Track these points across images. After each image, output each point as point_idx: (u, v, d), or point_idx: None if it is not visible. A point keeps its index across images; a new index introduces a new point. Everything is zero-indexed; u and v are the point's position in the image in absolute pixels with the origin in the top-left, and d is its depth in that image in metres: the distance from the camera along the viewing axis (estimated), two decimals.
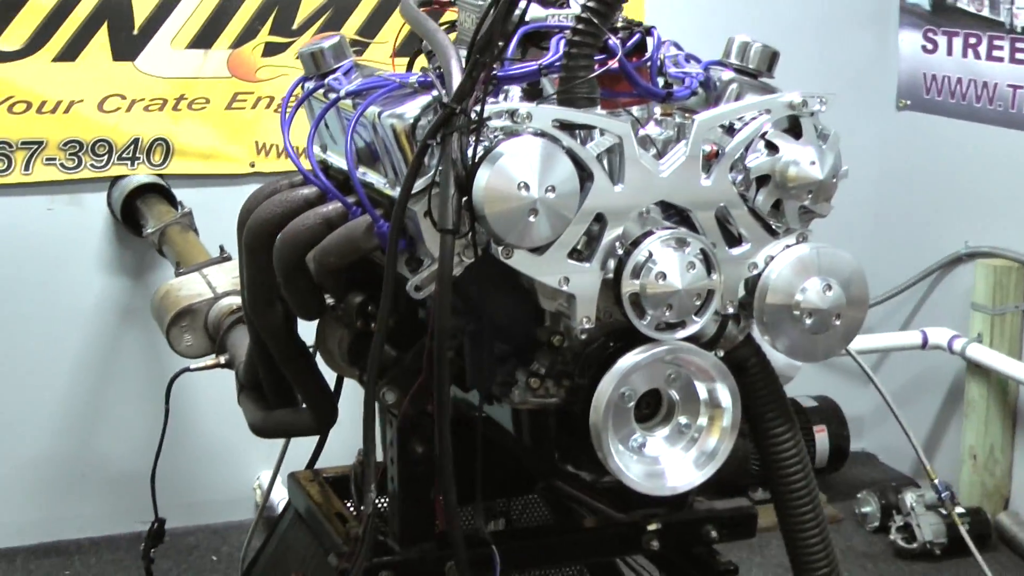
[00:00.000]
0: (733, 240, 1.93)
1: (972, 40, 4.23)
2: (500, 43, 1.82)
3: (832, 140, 1.92)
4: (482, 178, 1.74)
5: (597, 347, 1.91)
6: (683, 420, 1.93)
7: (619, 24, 1.99)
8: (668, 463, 1.93)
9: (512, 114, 1.78)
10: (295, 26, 3.91)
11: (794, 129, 1.93)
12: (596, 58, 1.88)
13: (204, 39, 3.82)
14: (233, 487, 4.08)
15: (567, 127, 1.82)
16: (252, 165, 3.93)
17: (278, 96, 3.89)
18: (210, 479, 4.07)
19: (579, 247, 1.84)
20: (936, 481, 3.90)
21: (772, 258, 1.93)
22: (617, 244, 1.84)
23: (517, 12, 1.83)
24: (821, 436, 4.38)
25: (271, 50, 3.89)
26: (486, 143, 1.77)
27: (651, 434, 1.93)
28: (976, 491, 4.30)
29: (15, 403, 3.91)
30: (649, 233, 1.85)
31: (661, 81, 2.05)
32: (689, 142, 1.87)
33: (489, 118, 1.78)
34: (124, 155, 3.80)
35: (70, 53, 3.70)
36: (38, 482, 3.97)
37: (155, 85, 3.81)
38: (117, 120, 3.78)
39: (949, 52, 4.33)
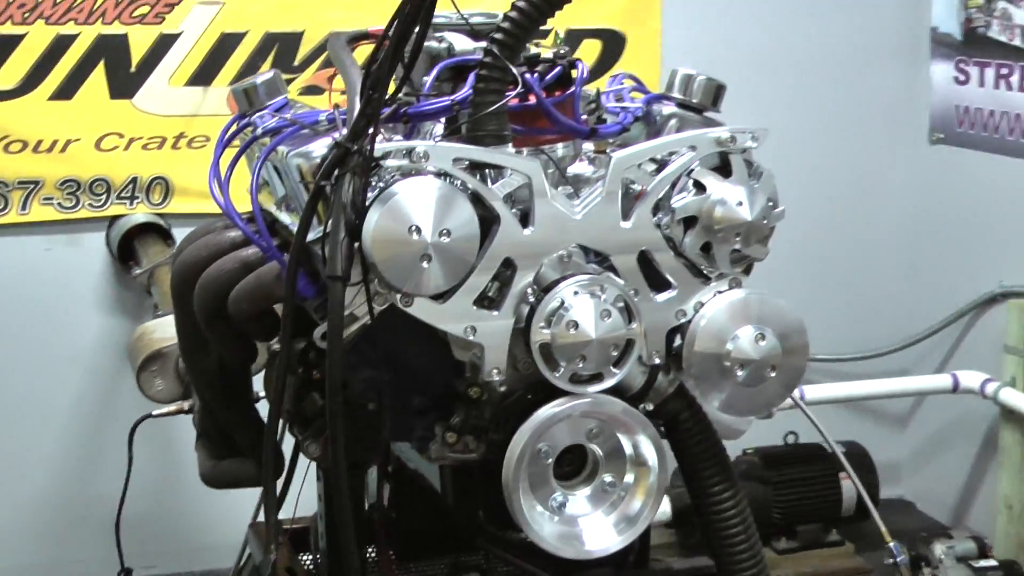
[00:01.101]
0: (660, 285, 1.80)
1: (1004, 71, 4.06)
2: (401, 76, 1.72)
3: (766, 179, 1.80)
4: (371, 221, 1.64)
5: (514, 400, 1.80)
6: (607, 478, 1.81)
7: (546, 56, 1.88)
8: (587, 525, 1.81)
9: (409, 153, 1.67)
10: (297, 62, 3.84)
11: (726, 167, 1.80)
12: (510, 93, 1.77)
13: (203, 76, 3.76)
14: (229, 532, 3.99)
15: (476, 166, 1.71)
16: None
17: None
18: (206, 523, 3.99)
19: (490, 294, 1.73)
20: None
21: (702, 305, 1.80)
22: (529, 291, 1.73)
23: (416, 45, 1.73)
24: (847, 483, 4.20)
25: None
26: (381, 184, 1.67)
27: (572, 493, 1.81)
28: (1011, 543, 4.09)
29: (13, 445, 3.86)
30: (562, 279, 1.73)
31: (595, 116, 1.94)
32: (605, 182, 1.75)
33: (384, 157, 1.67)
34: (123, 194, 3.75)
35: (66, 92, 3.66)
36: (37, 525, 3.91)
37: (153, 123, 3.75)
38: (115, 159, 3.73)
39: (981, 83, 4.16)
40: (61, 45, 3.64)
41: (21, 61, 3.61)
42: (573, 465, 1.82)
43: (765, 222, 1.77)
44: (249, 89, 2.09)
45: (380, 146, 1.67)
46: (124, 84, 3.70)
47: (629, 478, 1.81)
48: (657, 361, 1.81)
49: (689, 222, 1.78)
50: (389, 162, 1.67)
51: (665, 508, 4.05)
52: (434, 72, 1.86)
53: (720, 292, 1.81)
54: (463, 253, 1.66)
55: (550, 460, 1.77)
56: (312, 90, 3.84)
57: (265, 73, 2.10)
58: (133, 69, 3.71)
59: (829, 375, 4.46)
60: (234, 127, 2.13)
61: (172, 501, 3.79)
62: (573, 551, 1.78)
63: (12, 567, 3.89)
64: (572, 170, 1.84)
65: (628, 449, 1.81)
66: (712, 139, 1.78)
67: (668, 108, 1.97)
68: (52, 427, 3.87)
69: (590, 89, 2.00)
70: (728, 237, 1.78)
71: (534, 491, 1.78)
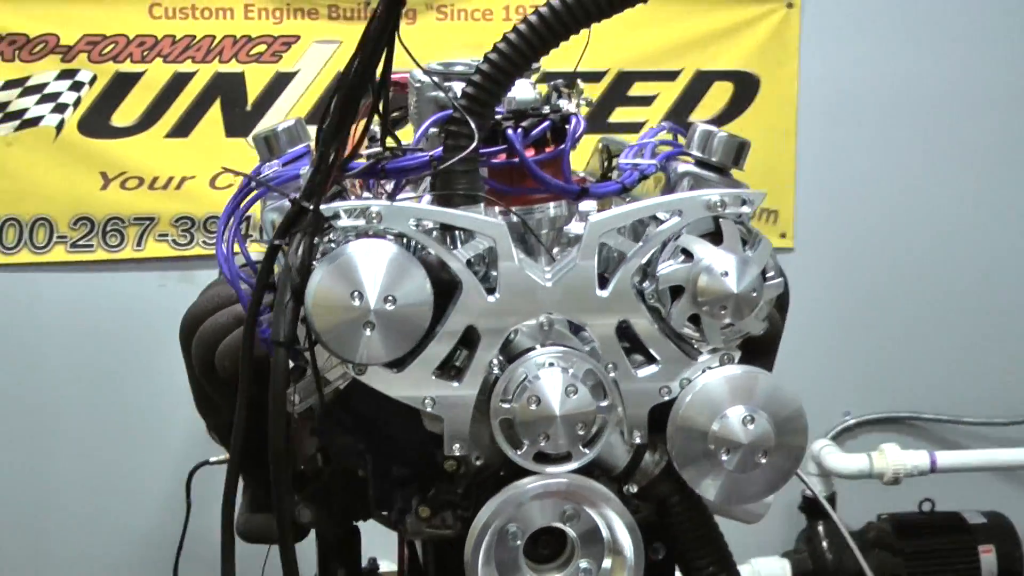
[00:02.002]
0: (646, 360, 1.67)
1: None
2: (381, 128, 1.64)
3: (762, 247, 1.65)
4: (312, 284, 1.55)
5: (486, 477, 1.69)
6: (583, 564, 1.68)
7: (538, 110, 1.77)
8: None
9: (364, 212, 1.58)
10: None
11: (718, 233, 1.66)
12: (489, 150, 1.68)
13: (319, 115, 3.73)
14: None
15: (446, 228, 1.62)
16: None
17: None
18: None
19: (457, 363, 1.63)
20: None
21: (689, 382, 1.66)
22: (495, 361, 1.62)
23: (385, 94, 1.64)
24: (988, 557, 3.93)
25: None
26: (332, 245, 1.58)
27: None
28: None
29: (125, 479, 3.89)
30: (527, 351, 1.62)
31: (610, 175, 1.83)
32: (580, 247, 1.63)
33: (335, 217, 1.59)
34: None
35: (183, 129, 3.69)
36: (147, 560, 3.93)
37: None
38: (229, 197, 3.72)
39: None
40: (178, 83, 3.66)
41: (139, 99, 3.65)
42: (550, 548, 1.70)
43: (754, 294, 1.62)
44: (270, 136, 2.03)
45: (332, 205, 1.58)
46: (239, 122, 3.70)
47: (607, 564, 1.68)
48: (637, 440, 1.68)
49: (676, 292, 1.65)
50: (344, 222, 1.58)
51: (786, 572, 3.87)
52: (425, 124, 1.77)
53: (710, 368, 1.66)
54: (410, 321, 1.57)
55: (519, 542, 1.66)
56: None
57: (287, 121, 2.04)
58: (249, 107, 3.72)
59: (979, 439, 4.19)
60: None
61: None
62: None
63: None
64: (570, 230, 1.72)
65: (605, 534, 1.68)
66: (702, 203, 1.64)
67: (684, 166, 1.83)
68: (164, 461, 3.89)
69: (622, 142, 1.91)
70: (715, 309, 1.63)
71: (504, 574, 1.67)
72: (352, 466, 1.77)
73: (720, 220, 1.65)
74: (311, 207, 1.58)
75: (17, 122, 3.59)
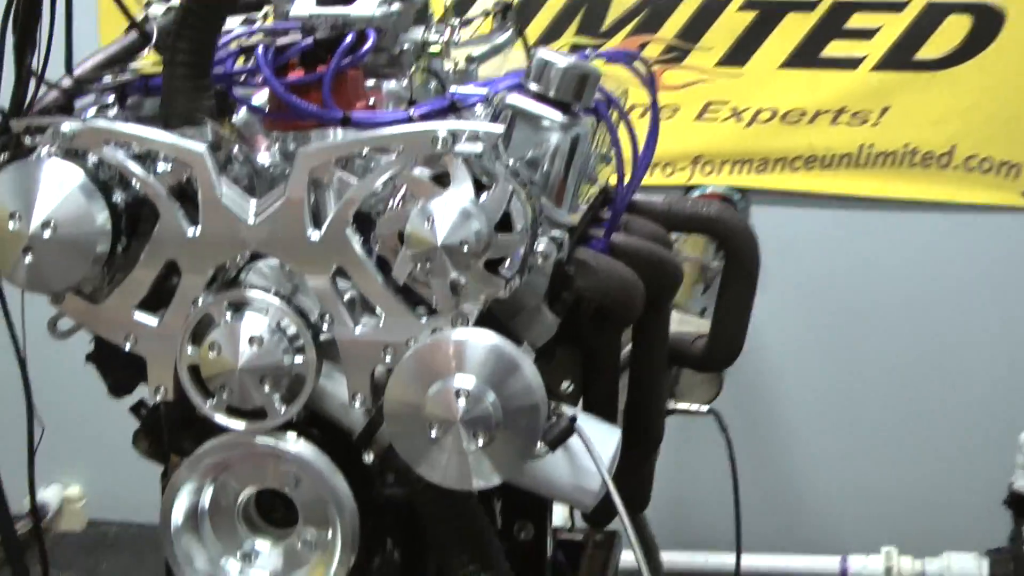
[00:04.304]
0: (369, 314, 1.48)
1: None
2: None
3: (498, 192, 1.40)
4: None
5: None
6: (307, 536, 1.52)
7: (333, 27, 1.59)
8: None
9: (56, 132, 1.47)
10: (604, 27, 3.57)
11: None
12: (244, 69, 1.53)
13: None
14: None
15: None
16: None
17: None
18: None
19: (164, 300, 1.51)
20: None
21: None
22: (198, 301, 1.48)
23: None
24: None
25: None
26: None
27: (269, 545, 1.55)
28: None
29: None
30: (220, 291, 1.47)
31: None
32: (288, 183, 1.45)
33: (28, 133, 1.49)
34: None
35: None
36: None
37: None
38: None
39: None
40: None
41: None
42: (282, 513, 1.55)
43: (465, 248, 1.38)
44: None
45: (22, 121, 1.48)
46: None
47: (328, 536, 1.51)
48: (357, 404, 1.48)
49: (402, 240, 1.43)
50: (36, 142, 1.47)
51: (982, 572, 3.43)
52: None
53: (435, 331, 1.44)
54: (74, 251, 1.44)
55: (233, 501, 1.53)
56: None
57: None
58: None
59: None
60: None
61: None
62: None
63: None
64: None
65: (330, 503, 1.50)
66: (426, 138, 1.41)
67: (512, 97, 1.59)
68: None
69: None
70: (423, 262, 1.41)
71: (218, 531, 1.53)
72: None
73: (448, 159, 1.41)
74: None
75: None
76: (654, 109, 1.91)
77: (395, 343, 1.45)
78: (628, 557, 2.97)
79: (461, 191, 1.40)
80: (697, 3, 3.52)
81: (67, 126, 1.46)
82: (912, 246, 3.54)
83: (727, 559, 3.52)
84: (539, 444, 1.52)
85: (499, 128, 1.41)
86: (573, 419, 1.54)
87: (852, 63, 3.46)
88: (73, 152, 1.46)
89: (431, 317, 1.44)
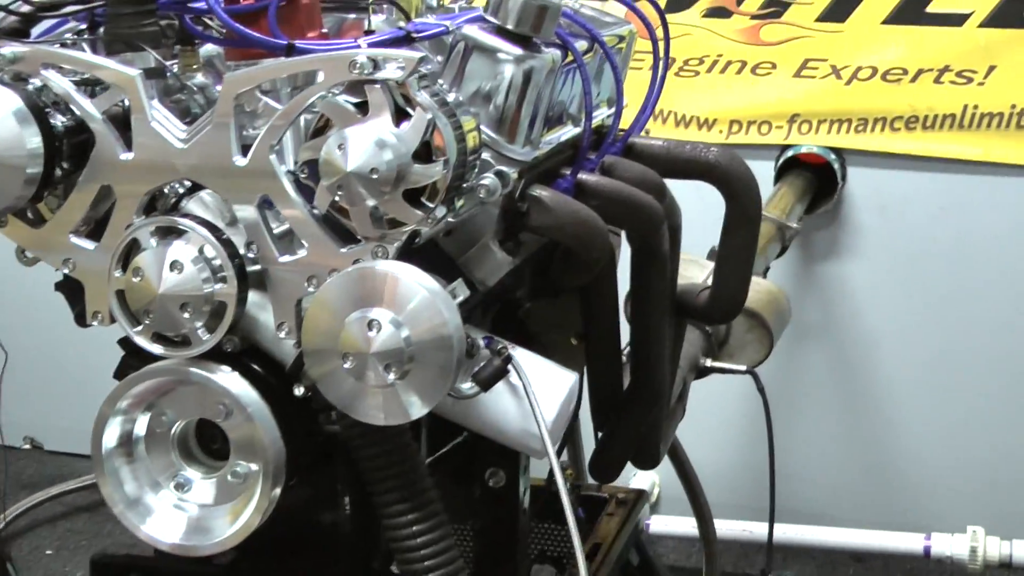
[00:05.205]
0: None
1: None
2: None
3: (416, 121, 1.37)
4: None
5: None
6: (237, 467, 1.52)
7: None
8: (200, 516, 1.53)
9: None
10: None
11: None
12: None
13: None
14: None
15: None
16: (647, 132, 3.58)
17: (680, 56, 3.49)
18: None
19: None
20: None
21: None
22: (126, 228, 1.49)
23: None
24: None
25: (673, 6, 3.51)
26: None
27: (204, 475, 1.55)
28: None
29: None
30: (146, 216, 1.47)
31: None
32: (215, 109, 1.44)
33: None
34: None
35: None
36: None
37: None
38: None
39: None
40: None
41: None
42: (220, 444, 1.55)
43: (375, 176, 1.35)
44: None
45: None
46: None
47: (254, 468, 1.50)
48: (282, 335, 1.47)
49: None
50: None
51: None
52: None
53: (359, 262, 1.42)
54: (5, 172, 1.45)
55: (168, 429, 1.53)
56: (717, 12, 3.48)
57: None
58: None
59: None
60: None
61: None
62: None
63: None
64: None
65: (259, 436, 1.49)
66: (343, 63, 1.39)
67: (469, 29, 1.55)
68: None
69: None
70: (337, 190, 1.39)
71: (153, 462, 1.54)
72: None
73: (367, 86, 1.38)
74: None
75: None
76: (655, 55, 1.84)
77: (318, 273, 1.43)
78: (690, 526, 2.95)
79: (378, 118, 1.37)
80: None
81: (7, 50, 1.47)
82: (1018, 213, 3.37)
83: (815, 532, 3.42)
84: (468, 383, 1.49)
85: (417, 54, 1.36)
86: (507, 359, 1.49)
87: (958, 19, 3.31)
88: (17, 76, 1.47)
89: (353, 248, 1.41)
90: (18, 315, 3.82)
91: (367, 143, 1.35)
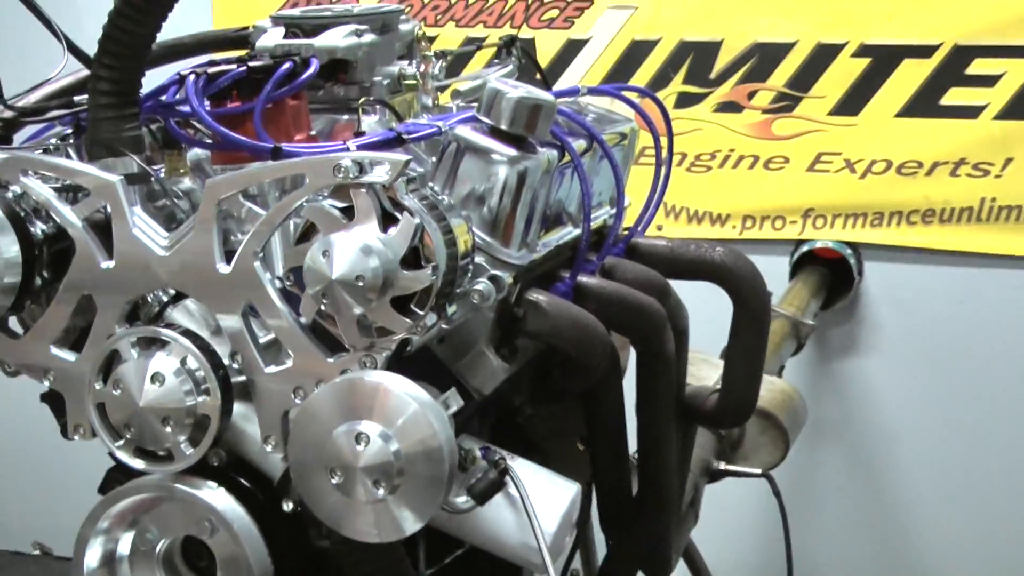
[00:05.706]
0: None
1: None
2: None
3: (404, 226, 1.32)
4: None
5: None
6: None
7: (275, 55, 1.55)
8: None
9: None
10: (713, 75, 3.46)
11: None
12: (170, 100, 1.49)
13: (611, 83, 3.50)
14: None
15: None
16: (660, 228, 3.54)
17: (692, 151, 3.46)
18: None
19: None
20: None
21: None
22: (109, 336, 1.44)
23: None
24: None
25: (684, 101, 3.48)
26: None
27: None
28: None
29: None
30: (129, 326, 1.42)
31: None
32: (197, 215, 1.39)
33: None
34: None
35: None
36: None
37: None
38: None
39: None
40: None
41: None
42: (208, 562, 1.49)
43: (360, 283, 1.30)
44: None
45: None
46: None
47: None
48: (269, 448, 1.41)
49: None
50: None
51: None
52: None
53: (346, 372, 1.36)
54: None
55: (153, 547, 1.47)
56: (729, 107, 3.45)
57: None
58: (537, 76, 3.55)
59: None
60: None
61: None
62: None
63: None
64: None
65: (244, 553, 1.43)
66: (328, 167, 1.34)
67: (462, 130, 1.51)
68: None
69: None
70: (323, 299, 1.34)
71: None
72: None
73: (352, 190, 1.33)
74: None
75: None
76: (658, 150, 1.80)
77: (305, 384, 1.37)
78: None
79: (364, 224, 1.32)
80: (808, 50, 3.37)
81: None
82: None
83: None
84: (463, 497, 1.43)
85: (403, 157, 1.32)
86: (504, 471, 1.43)
87: (973, 112, 3.27)
88: None
89: (341, 357, 1.36)
90: (25, 412, 3.78)
91: (352, 249, 1.31)
